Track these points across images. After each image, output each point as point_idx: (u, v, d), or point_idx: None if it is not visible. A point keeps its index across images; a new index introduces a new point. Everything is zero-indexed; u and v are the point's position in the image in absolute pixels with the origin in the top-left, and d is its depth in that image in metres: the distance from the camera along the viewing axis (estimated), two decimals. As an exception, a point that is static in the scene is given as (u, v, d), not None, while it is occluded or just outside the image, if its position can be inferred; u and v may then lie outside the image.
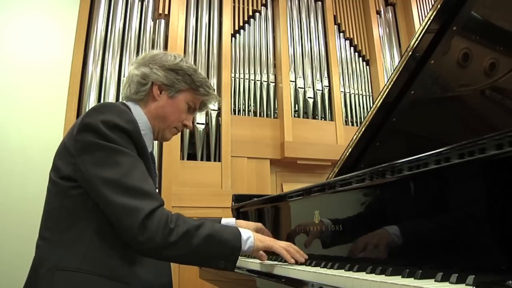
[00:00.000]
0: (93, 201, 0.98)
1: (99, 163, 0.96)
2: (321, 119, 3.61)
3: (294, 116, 3.50)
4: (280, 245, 1.12)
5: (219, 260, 1.01)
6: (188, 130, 2.98)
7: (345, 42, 3.98)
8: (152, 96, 1.19)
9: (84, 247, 0.95)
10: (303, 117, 3.55)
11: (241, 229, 1.08)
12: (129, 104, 1.18)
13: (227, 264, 1.01)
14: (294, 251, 1.12)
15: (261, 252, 1.14)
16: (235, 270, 1.08)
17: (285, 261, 1.18)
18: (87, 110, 2.78)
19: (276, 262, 1.21)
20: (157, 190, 1.18)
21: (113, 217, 0.95)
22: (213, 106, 1.39)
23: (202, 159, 3.08)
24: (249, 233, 1.08)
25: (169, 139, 1.30)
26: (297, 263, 1.11)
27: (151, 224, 0.93)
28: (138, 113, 1.16)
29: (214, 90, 1.31)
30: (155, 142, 2.77)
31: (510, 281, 0.59)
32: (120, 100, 1.27)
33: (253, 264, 1.25)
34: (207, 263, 1.03)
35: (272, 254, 1.24)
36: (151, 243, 0.93)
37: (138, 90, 1.18)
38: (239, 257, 1.05)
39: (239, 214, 1.86)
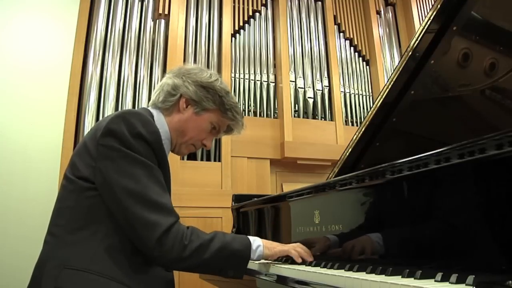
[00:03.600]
0: (106, 206, 0.99)
1: (121, 171, 0.97)
2: (321, 119, 3.60)
3: (294, 116, 3.50)
4: (288, 248, 1.14)
5: (229, 269, 1.04)
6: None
7: (345, 42, 3.98)
8: (178, 108, 1.20)
9: (94, 248, 0.96)
10: (303, 117, 3.55)
11: (251, 238, 1.10)
12: (154, 111, 1.19)
13: (236, 273, 1.05)
14: (302, 251, 1.15)
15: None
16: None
17: (285, 261, 1.19)
18: (87, 110, 2.81)
19: (276, 262, 1.21)
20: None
21: (130, 227, 0.97)
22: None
23: (202, 159, 3.08)
24: (259, 242, 1.11)
25: (185, 154, 1.30)
26: (304, 262, 1.13)
27: (167, 240, 0.96)
28: (161, 121, 1.17)
29: (243, 117, 1.31)
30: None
31: (510, 281, 0.59)
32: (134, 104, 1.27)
33: (253, 264, 1.25)
34: (217, 273, 1.05)
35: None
36: (166, 257, 0.97)
37: (165, 100, 1.20)
38: None
39: (239, 214, 1.86)
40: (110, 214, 0.99)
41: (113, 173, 0.97)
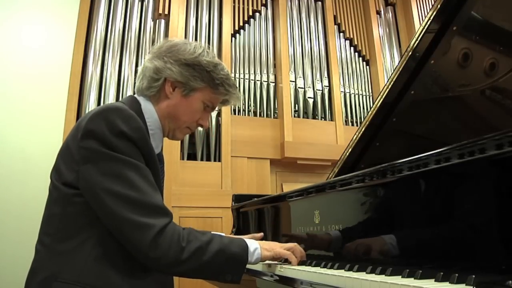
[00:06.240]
0: (95, 211, 0.94)
1: (105, 174, 0.91)
2: (321, 119, 3.61)
3: (294, 116, 3.50)
4: (287, 249, 1.11)
5: (226, 273, 0.99)
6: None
7: (345, 42, 3.98)
8: (165, 93, 1.10)
9: (84, 258, 0.91)
10: (303, 117, 3.56)
11: (247, 240, 1.06)
12: (140, 99, 1.10)
13: (234, 276, 0.99)
14: (299, 252, 1.13)
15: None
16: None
17: (285, 261, 1.19)
18: (87, 110, 2.80)
19: (276, 262, 1.21)
20: (163, 190, 1.16)
21: (121, 232, 0.91)
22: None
23: (202, 159, 3.09)
24: (256, 244, 1.06)
25: (181, 139, 1.22)
26: (304, 263, 1.12)
27: (163, 241, 0.90)
28: (149, 110, 1.09)
29: (237, 87, 1.20)
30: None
31: (510, 281, 0.59)
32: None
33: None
34: (214, 277, 1.00)
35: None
36: (162, 260, 0.91)
37: (150, 86, 1.10)
38: None
39: (239, 214, 1.86)
40: (98, 221, 0.93)
41: (96, 176, 0.91)
